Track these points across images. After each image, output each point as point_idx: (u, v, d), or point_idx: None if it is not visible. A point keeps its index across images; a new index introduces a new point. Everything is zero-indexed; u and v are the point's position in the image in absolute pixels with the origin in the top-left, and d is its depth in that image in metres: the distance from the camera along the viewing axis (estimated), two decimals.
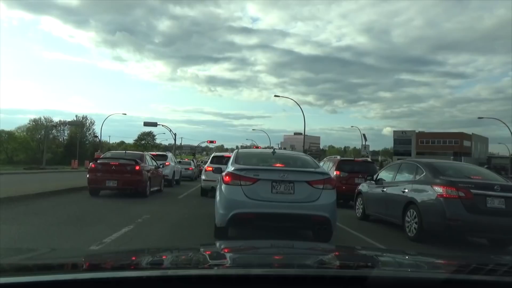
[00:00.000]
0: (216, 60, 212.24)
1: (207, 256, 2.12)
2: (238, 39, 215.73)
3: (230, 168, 6.30)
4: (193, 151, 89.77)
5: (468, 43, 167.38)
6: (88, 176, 12.74)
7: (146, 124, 49.88)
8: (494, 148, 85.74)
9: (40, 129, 69.10)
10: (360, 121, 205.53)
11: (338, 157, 16.50)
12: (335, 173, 13.29)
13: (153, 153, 20.42)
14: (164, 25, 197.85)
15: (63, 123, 70.58)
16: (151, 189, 13.70)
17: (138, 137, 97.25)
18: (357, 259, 2.26)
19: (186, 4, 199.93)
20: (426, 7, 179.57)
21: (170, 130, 53.42)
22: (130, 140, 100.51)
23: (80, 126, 70.98)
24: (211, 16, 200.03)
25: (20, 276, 1.46)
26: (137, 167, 12.62)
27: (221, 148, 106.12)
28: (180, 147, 72.93)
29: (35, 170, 31.38)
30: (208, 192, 13.37)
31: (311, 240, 6.46)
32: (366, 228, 8.66)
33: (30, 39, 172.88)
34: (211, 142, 70.28)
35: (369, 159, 19.43)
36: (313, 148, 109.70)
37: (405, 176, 8.51)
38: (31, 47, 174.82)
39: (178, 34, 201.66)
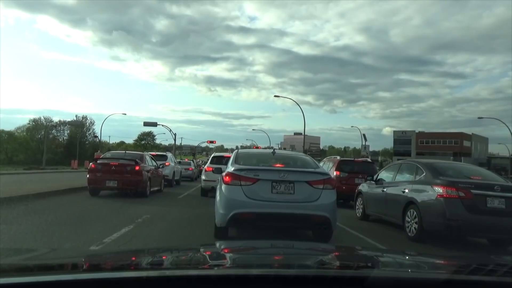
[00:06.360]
0: (214, 60, 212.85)
1: (207, 256, 2.12)
2: (236, 38, 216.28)
3: (230, 168, 6.31)
4: (193, 151, 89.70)
5: (467, 42, 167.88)
6: (88, 176, 12.73)
7: (146, 124, 49.86)
8: (494, 148, 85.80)
9: (40, 129, 68.99)
10: (359, 121, 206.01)
11: (338, 157, 16.47)
12: (335, 173, 13.29)
13: (153, 153, 20.40)
14: (161, 24, 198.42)
15: (63, 123, 70.50)
16: (151, 189, 13.69)
17: (138, 137, 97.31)
18: (357, 259, 2.26)
19: (182, 3, 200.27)
20: (425, 6, 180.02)
21: (170, 130, 53.41)
22: (130, 140, 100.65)
23: (80, 126, 70.85)
24: (208, 15, 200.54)
25: (20, 276, 1.46)
26: (137, 167, 12.62)
27: (221, 148, 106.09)
28: (180, 147, 72.93)
29: (35, 170, 31.36)
30: (208, 192, 13.38)
31: (311, 240, 6.45)
32: (366, 228, 8.66)
33: (26, 39, 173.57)
34: (211, 142, 70.25)
35: (369, 159, 19.39)
36: (313, 148, 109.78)
37: (405, 176, 8.51)
38: (28, 46, 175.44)
39: (175, 33, 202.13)
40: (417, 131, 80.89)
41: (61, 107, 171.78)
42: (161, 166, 15.71)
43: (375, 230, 8.43)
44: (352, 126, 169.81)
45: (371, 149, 52.65)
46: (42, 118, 73.36)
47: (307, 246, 3.25)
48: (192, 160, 37.36)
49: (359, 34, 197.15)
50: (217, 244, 3.13)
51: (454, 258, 2.76)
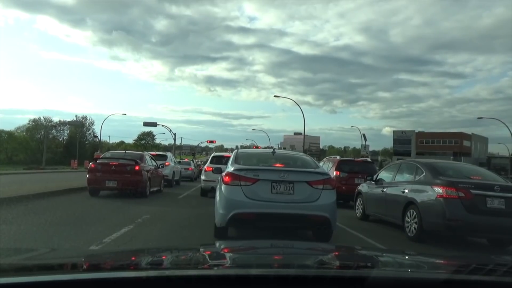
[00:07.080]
0: (213, 60, 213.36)
1: (207, 256, 2.12)
2: (235, 38, 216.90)
3: (230, 168, 6.30)
4: (193, 151, 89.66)
5: (466, 42, 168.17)
6: (87, 176, 12.71)
7: (146, 124, 49.87)
8: (494, 148, 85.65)
9: (40, 129, 68.98)
10: (359, 121, 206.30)
11: (338, 157, 16.46)
12: (334, 173, 13.28)
13: (153, 153, 20.36)
14: (160, 24, 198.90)
15: (63, 123, 70.53)
16: (151, 189, 13.68)
17: (138, 137, 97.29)
18: (357, 259, 2.26)
19: (182, 3, 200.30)
20: (424, 6, 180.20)
21: (170, 130, 53.39)
22: (129, 140, 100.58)
23: (79, 126, 70.92)
24: (207, 15, 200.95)
25: (20, 276, 1.46)
26: (137, 167, 12.61)
27: (220, 148, 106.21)
28: (180, 147, 72.91)
29: (35, 170, 31.37)
30: (208, 193, 13.37)
31: (311, 240, 6.45)
32: (366, 228, 8.66)
33: (26, 39, 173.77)
34: (211, 142, 70.14)
35: (369, 159, 19.38)
36: (313, 148, 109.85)
37: (405, 176, 8.50)
38: (28, 46, 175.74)
39: (175, 33, 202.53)
40: (417, 131, 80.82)
41: (61, 107, 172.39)
42: (161, 166, 15.70)
43: (375, 230, 8.43)
44: (352, 126, 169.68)
45: (371, 149, 52.68)
46: (42, 118, 73.49)
47: (307, 246, 3.25)
48: (192, 160, 37.32)
49: (359, 34, 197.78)
50: (217, 244, 3.13)
51: (454, 258, 2.76)
